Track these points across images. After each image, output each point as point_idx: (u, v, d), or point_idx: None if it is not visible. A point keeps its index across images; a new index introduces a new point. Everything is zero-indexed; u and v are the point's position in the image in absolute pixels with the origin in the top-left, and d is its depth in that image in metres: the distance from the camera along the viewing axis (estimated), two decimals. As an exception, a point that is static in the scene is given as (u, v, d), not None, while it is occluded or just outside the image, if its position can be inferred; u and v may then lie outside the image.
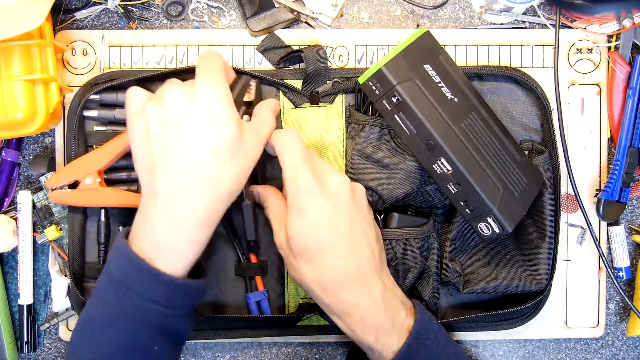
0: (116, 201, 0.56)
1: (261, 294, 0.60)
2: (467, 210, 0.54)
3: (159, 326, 0.47)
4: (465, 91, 0.57)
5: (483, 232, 0.55)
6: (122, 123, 0.59)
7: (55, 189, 0.56)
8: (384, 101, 0.54)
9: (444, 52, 0.58)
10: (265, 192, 0.56)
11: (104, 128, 0.59)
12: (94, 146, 0.59)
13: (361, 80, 0.54)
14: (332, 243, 0.50)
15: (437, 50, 0.57)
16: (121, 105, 0.58)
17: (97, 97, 0.58)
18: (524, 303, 0.59)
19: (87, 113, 0.58)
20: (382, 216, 0.59)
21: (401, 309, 0.52)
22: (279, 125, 0.60)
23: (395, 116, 0.54)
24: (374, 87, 0.54)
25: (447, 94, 0.55)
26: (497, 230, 0.54)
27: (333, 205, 0.50)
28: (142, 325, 0.47)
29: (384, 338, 0.51)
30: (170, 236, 0.46)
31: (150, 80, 0.58)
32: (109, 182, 0.58)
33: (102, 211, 0.59)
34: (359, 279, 0.51)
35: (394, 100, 0.53)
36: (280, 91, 0.60)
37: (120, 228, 0.60)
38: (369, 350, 0.52)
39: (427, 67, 0.55)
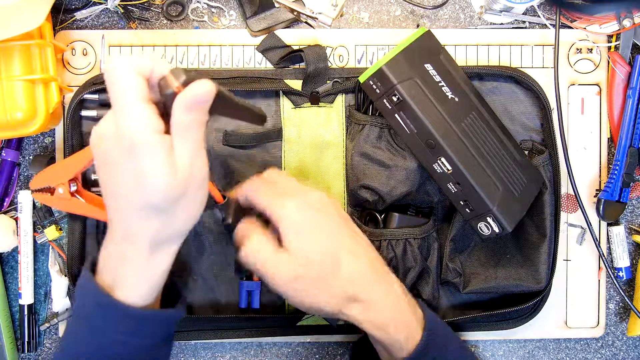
0: (89, 213, 0.56)
1: (255, 284, 0.60)
2: (466, 209, 0.54)
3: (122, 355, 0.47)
4: (465, 91, 0.57)
5: (483, 231, 0.55)
6: None
7: (36, 191, 0.56)
8: (385, 100, 0.54)
9: (445, 52, 0.58)
10: (240, 233, 0.53)
11: None
12: None
13: (362, 79, 0.54)
14: (339, 250, 0.50)
15: (437, 50, 0.57)
16: None
17: (96, 97, 0.58)
18: (524, 303, 0.59)
19: (85, 113, 0.58)
20: (382, 216, 0.59)
21: (416, 304, 0.53)
22: (278, 125, 0.60)
23: (396, 115, 0.54)
24: (374, 86, 0.54)
25: (447, 94, 0.55)
26: (496, 229, 0.54)
27: (325, 217, 0.51)
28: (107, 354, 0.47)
29: (412, 334, 0.50)
30: (122, 268, 0.46)
31: None
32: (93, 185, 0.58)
33: None
34: (377, 276, 0.51)
35: (395, 99, 0.53)
36: (281, 90, 0.60)
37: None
38: (393, 347, 0.51)
39: (428, 66, 0.55)
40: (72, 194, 0.56)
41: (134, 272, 0.46)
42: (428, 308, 0.54)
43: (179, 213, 0.44)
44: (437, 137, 0.52)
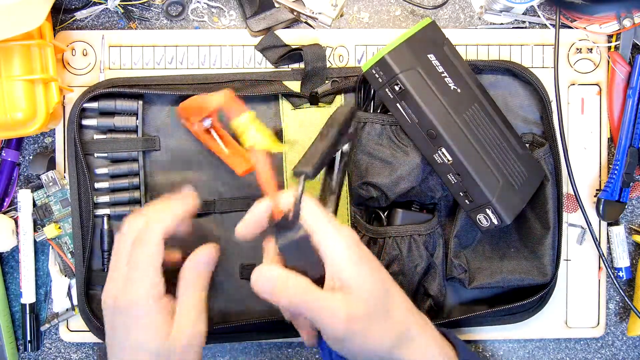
0: (217, 150, 0.59)
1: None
2: (466, 201, 0.55)
3: None
4: (468, 82, 0.56)
5: (482, 223, 0.55)
6: (122, 131, 0.59)
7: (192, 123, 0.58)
8: (387, 89, 0.54)
9: (449, 43, 0.58)
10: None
11: (103, 136, 0.59)
12: (95, 155, 0.59)
13: (365, 67, 0.54)
14: (391, 285, 0.47)
15: (441, 41, 0.57)
16: (120, 113, 0.59)
17: (95, 105, 0.58)
18: (529, 297, 0.59)
19: (85, 122, 0.58)
20: (385, 213, 0.59)
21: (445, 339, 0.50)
22: (278, 127, 0.60)
23: (398, 105, 0.54)
24: (377, 75, 0.54)
25: (450, 85, 0.54)
26: (495, 222, 0.54)
27: (367, 251, 0.47)
28: None
29: None
30: None
31: (150, 89, 0.58)
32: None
33: (105, 219, 0.59)
34: (416, 312, 0.48)
35: (397, 88, 0.53)
36: (280, 93, 0.60)
37: None
38: None
39: (431, 56, 0.55)
40: (207, 130, 0.57)
41: None
42: (459, 339, 0.51)
43: None
44: (437, 127, 0.52)
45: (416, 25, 0.56)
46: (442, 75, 0.55)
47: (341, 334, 0.44)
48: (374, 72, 0.54)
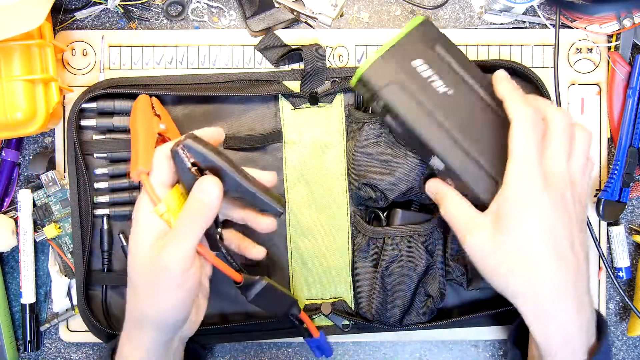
0: None
1: (320, 339, 0.57)
2: None
3: None
4: (465, 79, 0.54)
5: None
6: (120, 131, 0.59)
7: None
8: (374, 103, 0.53)
9: (443, 41, 0.54)
10: (441, 191, 0.52)
11: (102, 137, 0.59)
12: (94, 155, 0.59)
13: (352, 83, 0.53)
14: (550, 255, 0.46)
15: (433, 41, 0.54)
16: (119, 113, 0.59)
17: (94, 105, 0.58)
18: None
19: (84, 122, 0.58)
20: (385, 213, 0.59)
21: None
22: (278, 127, 0.60)
23: (386, 117, 0.53)
24: (362, 91, 0.53)
25: (439, 89, 0.52)
26: None
27: (554, 208, 0.46)
28: None
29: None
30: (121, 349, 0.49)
31: (150, 89, 0.58)
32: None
33: (104, 219, 0.59)
34: (574, 297, 0.46)
35: (381, 103, 0.52)
36: (280, 93, 0.60)
37: (121, 236, 0.60)
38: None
39: (418, 62, 0.52)
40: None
41: (130, 352, 0.48)
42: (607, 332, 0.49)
43: (141, 293, 0.46)
44: (425, 140, 0.51)
45: (406, 26, 0.54)
46: (429, 80, 0.52)
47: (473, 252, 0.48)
48: (359, 87, 0.53)
